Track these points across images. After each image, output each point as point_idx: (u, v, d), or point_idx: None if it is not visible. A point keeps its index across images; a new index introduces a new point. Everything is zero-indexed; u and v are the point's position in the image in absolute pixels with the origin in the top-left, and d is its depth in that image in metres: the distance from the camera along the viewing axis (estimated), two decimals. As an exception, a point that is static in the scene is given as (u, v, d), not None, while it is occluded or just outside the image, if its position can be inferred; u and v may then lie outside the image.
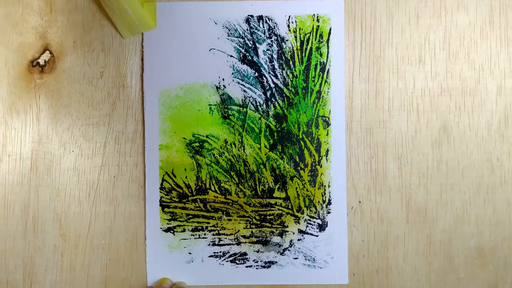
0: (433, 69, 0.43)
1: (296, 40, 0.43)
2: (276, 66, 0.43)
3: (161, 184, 0.43)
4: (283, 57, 0.43)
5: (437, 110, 0.43)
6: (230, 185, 0.43)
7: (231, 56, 0.43)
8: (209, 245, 0.43)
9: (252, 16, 0.43)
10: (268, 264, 0.43)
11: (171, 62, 0.43)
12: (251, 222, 0.43)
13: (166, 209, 0.43)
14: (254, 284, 0.43)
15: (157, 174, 0.43)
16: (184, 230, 0.43)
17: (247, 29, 0.43)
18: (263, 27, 0.43)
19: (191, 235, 0.43)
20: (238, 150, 0.43)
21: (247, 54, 0.43)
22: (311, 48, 0.43)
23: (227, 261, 0.43)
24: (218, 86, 0.43)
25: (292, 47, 0.43)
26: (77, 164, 0.43)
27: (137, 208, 0.43)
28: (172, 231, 0.43)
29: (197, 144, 0.43)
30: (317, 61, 0.43)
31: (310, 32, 0.43)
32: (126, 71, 0.43)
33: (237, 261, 0.43)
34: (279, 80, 0.43)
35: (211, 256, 0.43)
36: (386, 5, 0.43)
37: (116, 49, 0.43)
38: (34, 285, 0.43)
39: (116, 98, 0.43)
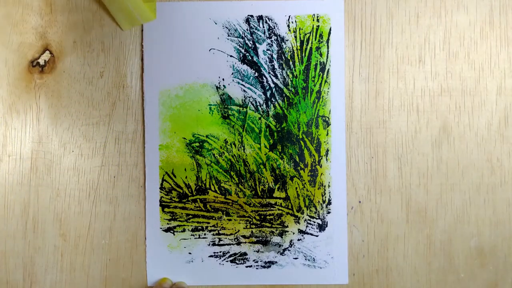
0: (433, 69, 0.43)
1: (296, 40, 0.43)
2: (276, 66, 0.43)
3: (161, 184, 0.43)
4: (283, 57, 0.43)
5: (437, 110, 0.43)
6: (230, 185, 0.43)
7: (231, 56, 0.43)
8: (209, 245, 0.43)
9: (252, 16, 0.43)
10: (268, 264, 0.43)
11: (171, 62, 0.43)
12: (251, 222, 0.43)
13: (166, 209, 0.43)
14: (254, 284, 0.43)
15: (157, 174, 0.43)
16: (184, 230, 0.43)
17: (247, 29, 0.43)
18: (263, 27, 0.43)
19: (191, 235, 0.43)
20: (238, 150, 0.43)
21: (247, 54, 0.43)
22: (311, 48, 0.43)
23: (227, 261, 0.43)
24: (218, 86, 0.43)
25: (292, 47, 0.43)
26: (77, 164, 0.43)
27: (137, 208, 0.43)
28: (172, 231, 0.43)
29: (197, 144, 0.43)
30: (317, 61, 0.43)
31: (310, 32, 0.43)
32: (126, 71, 0.43)
33: (237, 261, 0.43)
34: (279, 80, 0.43)
35: (211, 256, 0.43)
36: (386, 5, 0.43)
37: (116, 49, 0.43)
38: (34, 285, 0.43)
39: (116, 98, 0.43)
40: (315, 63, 0.43)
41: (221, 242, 0.43)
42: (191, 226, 0.43)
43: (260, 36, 0.43)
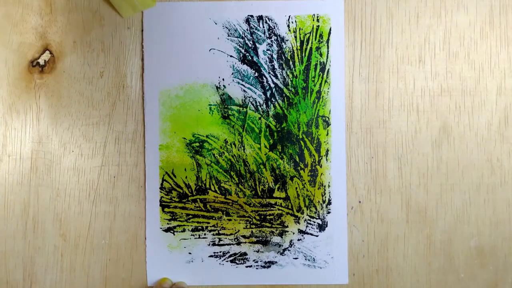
0: (433, 69, 0.43)
1: (296, 40, 0.43)
2: (276, 66, 0.43)
3: (161, 184, 0.43)
4: (283, 57, 0.43)
5: (437, 110, 0.43)
6: (230, 185, 0.43)
7: (231, 56, 0.43)
8: (209, 245, 0.43)
9: (252, 16, 0.43)
10: (268, 264, 0.43)
11: (171, 62, 0.43)
12: (251, 222, 0.43)
13: (166, 209, 0.43)
14: (254, 284, 0.43)
15: (157, 174, 0.43)
16: (184, 230, 0.43)
17: (247, 29, 0.43)
18: (263, 27, 0.43)
19: (191, 235, 0.43)
20: (238, 150, 0.43)
21: (247, 54, 0.43)
22: (311, 48, 0.43)
23: (227, 261, 0.43)
24: (218, 86, 0.43)
25: (292, 47, 0.43)
26: (77, 164, 0.43)
27: (137, 208, 0.43)
28: (172, 231, 0.43)
29: (197, 144, 0.43)
30: (317, 61, 0.43)
31: (310, 32, 0.43)
32: (126, 71, 0.43)
33: (237, 261, 0.43)
34: (279, 80, 0.43)
35: (211, 256, 0.43)
36: (386, 5, 0.43)
37: (116, 49, 0.43)
38: (34, 285, 0.43)
39: (116, 98, 0.43)
40: (315, 63, 0.43)
41: (221, 242, 0.43)
42: (191, 226, 0.43)
43: (260, 36, 0.43)
